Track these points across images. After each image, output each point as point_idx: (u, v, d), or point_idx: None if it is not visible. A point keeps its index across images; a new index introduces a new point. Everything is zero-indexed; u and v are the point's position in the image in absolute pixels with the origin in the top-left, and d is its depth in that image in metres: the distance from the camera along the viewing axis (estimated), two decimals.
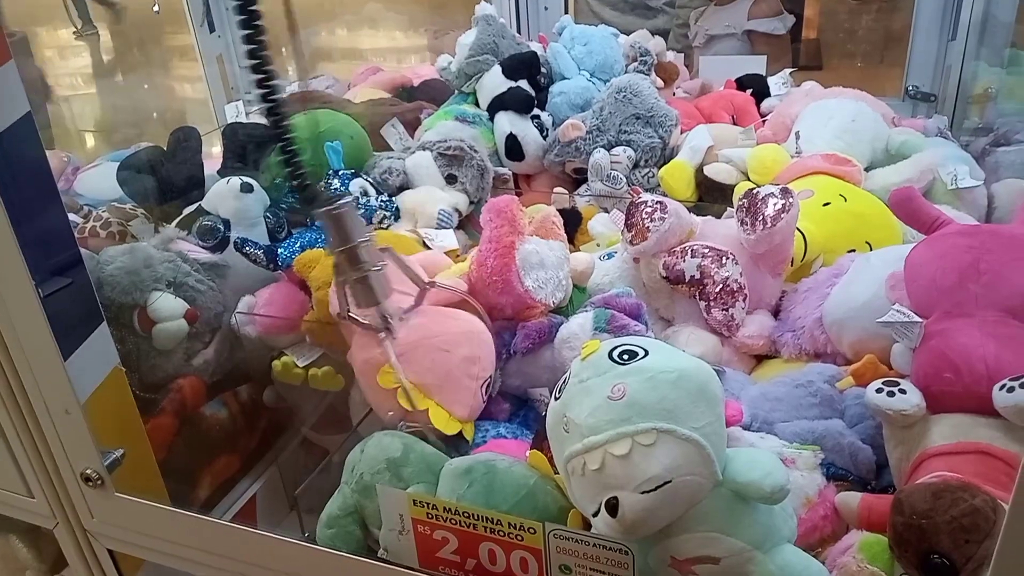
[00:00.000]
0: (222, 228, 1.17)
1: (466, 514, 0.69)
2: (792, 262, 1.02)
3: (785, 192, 0.95)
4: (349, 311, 0.84)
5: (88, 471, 0.85)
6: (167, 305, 1.03)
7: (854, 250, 1.04)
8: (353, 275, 0.77)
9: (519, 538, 0.67)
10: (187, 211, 1.22)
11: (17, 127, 0.76)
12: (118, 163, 1.41)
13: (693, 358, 0.65)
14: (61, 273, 0.82)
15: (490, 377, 0.92)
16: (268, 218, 1.23)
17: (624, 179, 1.27)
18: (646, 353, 0.65)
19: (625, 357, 0.65)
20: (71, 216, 1.18)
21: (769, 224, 0.93)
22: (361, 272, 0.77)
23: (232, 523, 0.85)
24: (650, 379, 0.62)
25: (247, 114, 1.77)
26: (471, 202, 1.32)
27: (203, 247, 1.16)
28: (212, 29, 2.13)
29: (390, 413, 0.88)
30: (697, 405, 0.62)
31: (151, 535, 0.89)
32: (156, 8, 2.21)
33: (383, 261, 0.79)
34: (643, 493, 0.60)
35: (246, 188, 1.18)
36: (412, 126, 1.56)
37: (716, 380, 0.64)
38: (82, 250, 0.88)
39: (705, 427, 0.61)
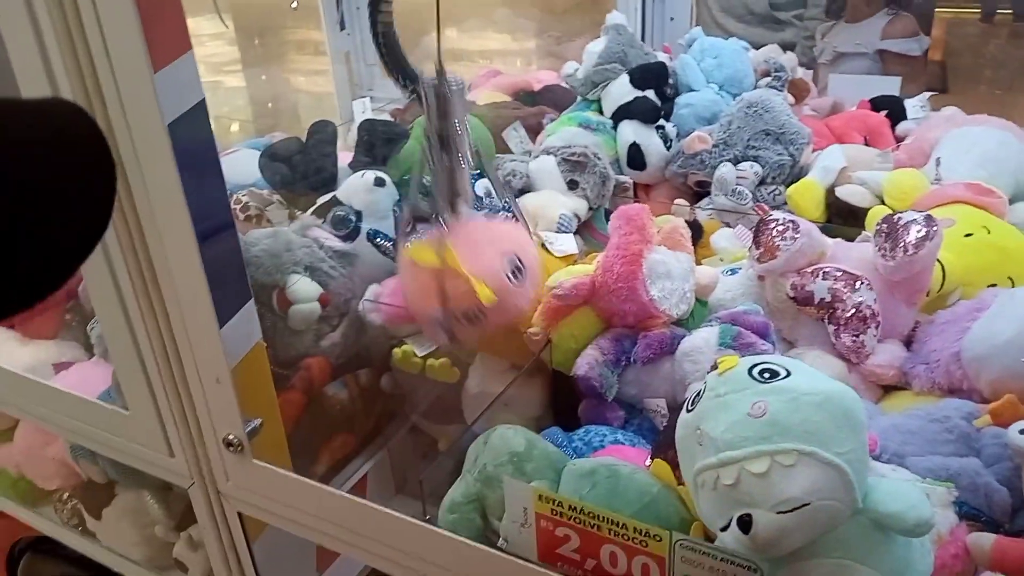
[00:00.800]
0: (354, 219, 1.23)
1: (591, 514, 0.71)
2: (928, 293, 0.99)
3: (929, 220, 0.92)
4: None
5: (231, 437, 0.92)
6: (304, 288, 1.09)
7: (995, 284, 1.00)
8: (444, 160, 0.80)
9: (643, 544, 0.68)
10: (321, 200, 1.29)
11: (194, 111, 0.82)
12: (254, 149, 1.50)
13: (838, 382, 0.65)
14: (221, 248, 0.88)
15: (517, 258, 0.95)
16: (396, 212, 1.28)
17: (750, 195, 1.26)
18: (788, 373, 0.65)
19: (766, 375, 0.65)
20: None
21: (910, 251, 0.90)
22: (451, 158, 0.80)
23: (355, 498, 0.89)
24: (793, 400, 0.62)
25: (372, 110, 1.85)
26: (590, 208, 1.34)
27: (335, 235, 1.22)
28: (343, 27, 2.22)
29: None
30: (841, 430, 0.61)
31: (280, 501, 0.95)
32: (295, 4, 2.32)
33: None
34: (779, 513, 0.60)
35: (379, 183, 1.24)
36: (533, 131, 1.59)
37: (862, 406, 0.64)
38: None
39: (848, 453, 0.61)
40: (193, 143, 0.82)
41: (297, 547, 1.12)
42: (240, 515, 1.00)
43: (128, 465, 1.11)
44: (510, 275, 0.93)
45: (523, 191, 1.35)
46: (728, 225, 1.25)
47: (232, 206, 1.30)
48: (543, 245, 1.22)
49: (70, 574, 1.43)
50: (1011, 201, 1.14)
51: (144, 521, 1.25)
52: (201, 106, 0.82)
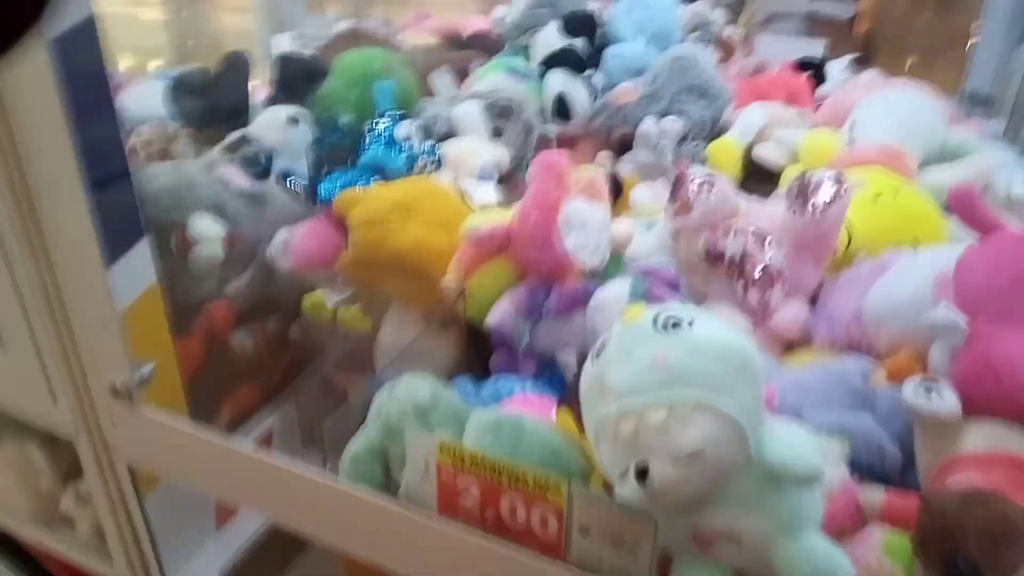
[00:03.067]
0: (266, 158, 1.17)
1: (491, 465, 0.70)
2: (835, 252, 1.00)
3: (840, 179, 0.93)
4: None
5: (117, 383, 0.86)
6: (206, 228, 1.03)
7: (899, 246, 1.02)
8: None
9: (542, 494, 0.68)
10: (231, 137, 1.22)
11: (81, 29, 0.75)
12: (164, 82, 1.40)
13: (739, 333, 0.65)
14: (110, 181, 0.82)
15: None
16: (310, 153, 1.22)
17: (671, 151, 1.25)
18: (691, 323, 0.64)
19: (669, 325, 0.64)
20: None
21: (821, 210, 0.91)
22: None
23: (253, 451, 0.86)
24: (693, 350, 0.62)
25: (298, 47, 1.76)
26: (512, 159, 1.31)
27: (245, 174, 1.15)
28: None
29: None
30: (738, 381, 0.61)
31: (172, 453, 0.90)
32: None
33: None
34: (675, 462, 0.60)
35: (293, 121, 1.18)
36: (460, 76, 1.54)
37: (760, 358, 0.64)
38: None
39: (744, 404, 0.61)
40: (79, 65, 0.75)
41: (194, 502, 1.07)
42: (130, 468, 0.95)
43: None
44: None
45: (445, 136, 1.31)
46: (648, 180, 1.24)
47: (134, 140, 1.22)
48: (462, 194, 1.19)
49: None
50: (922, 165, 1.17)
51: (29, 473, 1.18)
52: (88, 24, 0.75)
